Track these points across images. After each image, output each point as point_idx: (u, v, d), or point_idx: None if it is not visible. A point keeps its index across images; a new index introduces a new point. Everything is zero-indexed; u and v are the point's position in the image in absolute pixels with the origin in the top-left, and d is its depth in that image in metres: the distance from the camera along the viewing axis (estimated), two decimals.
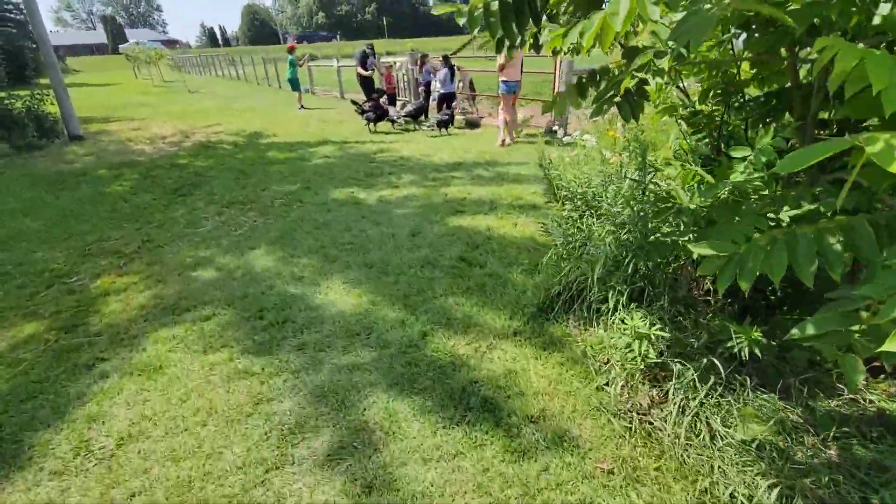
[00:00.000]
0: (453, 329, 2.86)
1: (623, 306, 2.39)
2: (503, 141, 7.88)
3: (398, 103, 10.89)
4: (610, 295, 2.44)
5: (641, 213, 2.35)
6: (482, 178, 6.10)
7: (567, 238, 2.98)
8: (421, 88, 10.77)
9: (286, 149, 8.09)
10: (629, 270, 2.38)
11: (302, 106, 12.92)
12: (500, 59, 7.44)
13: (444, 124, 8.86)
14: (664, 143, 3.46)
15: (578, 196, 3.45)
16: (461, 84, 11.08)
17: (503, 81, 7.63)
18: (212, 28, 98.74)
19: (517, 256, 3.84)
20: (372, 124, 9.13)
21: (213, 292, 3.42)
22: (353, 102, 9.38)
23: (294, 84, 12.93)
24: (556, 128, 8.59)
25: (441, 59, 9.73)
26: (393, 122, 9.43)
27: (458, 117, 9.95)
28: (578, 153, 3.86)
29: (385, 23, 47.39)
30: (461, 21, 1.92)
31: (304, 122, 10.64)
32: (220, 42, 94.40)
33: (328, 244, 4.18)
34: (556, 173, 4.31)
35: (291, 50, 13.08)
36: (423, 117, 9.78)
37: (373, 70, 10.50)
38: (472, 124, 9.86)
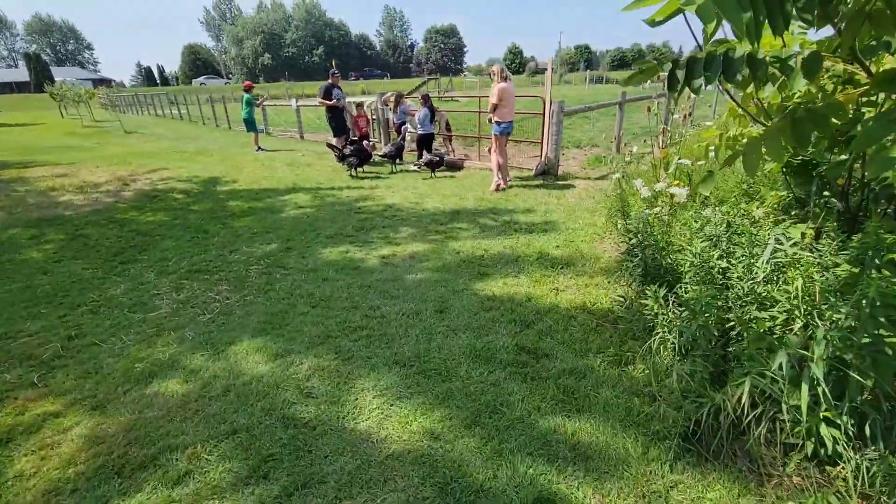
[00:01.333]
0: (571, 478, 1.95)
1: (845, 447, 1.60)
2: (498, 185, 7.24)
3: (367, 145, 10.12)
4: (822, 430, 1.65)
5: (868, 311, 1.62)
6: (490, 229, 5.33)
7: (691, 331, 2.20)
8: (396, 128, 10.07)
9: (251, 198, 6.99)
10: (847, 393, 1.61)
11: (260, 147, 11.83)
12: (494, 98, 6.89)
13: (435, 165, 8.12)
14: (765, 192, 2.85)
15: (710, 274, 2.65)
16: (438, 124, 10.50)
17: (497, 122, 7.05)
18: (149, 67, 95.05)
19: (586, 339, 3.02)
20: (354, 170, 8.22)
21: (181, 427, 2.32)
22: (331, 146, 8.46)
23: (250, 124, 11.87)
24: (544, 168, 8.09)
25: (420, 98, 9.12)
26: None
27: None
28: (662, 208, 3.15)
29: (334, 65, 47.16)
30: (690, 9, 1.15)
31: (267, 165, 9.57)
32: (159, 81, 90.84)
33: (336, 331, 3.17)
34: (633, 227, 3.54)
35: (248, 88, 12.08)
36: (399, 159, 9.03)
37: (342, 103, 9.68)
38: (455, 166, 9.20)
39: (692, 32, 1.41)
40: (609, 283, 3.88)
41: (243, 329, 3.22)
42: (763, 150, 1.50)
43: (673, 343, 2.44)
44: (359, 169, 8.20)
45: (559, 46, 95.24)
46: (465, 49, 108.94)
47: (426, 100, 8.97)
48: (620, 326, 3.14)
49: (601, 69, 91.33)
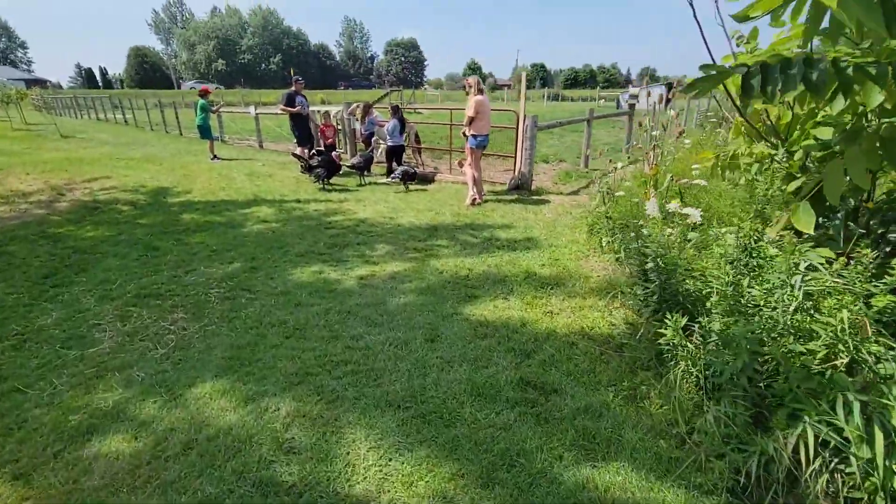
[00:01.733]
0: None
1: None
2: (473, 200, 7.03)
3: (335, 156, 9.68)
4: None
5: None
6: (472, 246, 5.08)
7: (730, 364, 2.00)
8: (364, 139, 9.71)
9: (208, 210, 6.41)
10: None
11: (215, 156, 11.10)
12: (470, 111, 6.71)
13: (409, 178, 7.80)
14: (773, 214, 2.74)
15: (744, 303, 2.44)
16: (407, 136, 10.23)
17: (473, 135, 6.86)
18: (90, 69, 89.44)
19: (593, 369, 2.80)
20: (322, 182, 7.75)
21: (129, 500, 1.87)
22: (297, 156, 7.95)
23: (205, 131, 11.13)
24: (518, 183, 7.98)
25: (390, 109, 8.82)
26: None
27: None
28: (679, 230, 2.97)
29: (292, 73, 46.13)
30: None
31: (224, 175, 8.92)
32: (101, 84, 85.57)
33: (315, 367, 2.78)
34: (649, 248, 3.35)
35: (204, 93, 11.33)
36: (368, 172, 8.67)
37: (306, 111, 9.21)
38: (426, 179, 8.93)
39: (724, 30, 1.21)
40: (603, 305, 3.70)
41: (205, 367, 2.77)
42: (842, 171, 1.32)
43: (697, 377, 2.24)
44: (327, 181, 7.76)
45: (516, 64, 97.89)
46: (425, 62, 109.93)
47: (396, 111, 8.69)
48: (626, 354, 2.94)
49: (556, 87, 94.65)
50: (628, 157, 11.96)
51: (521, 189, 7.97)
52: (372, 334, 3.18)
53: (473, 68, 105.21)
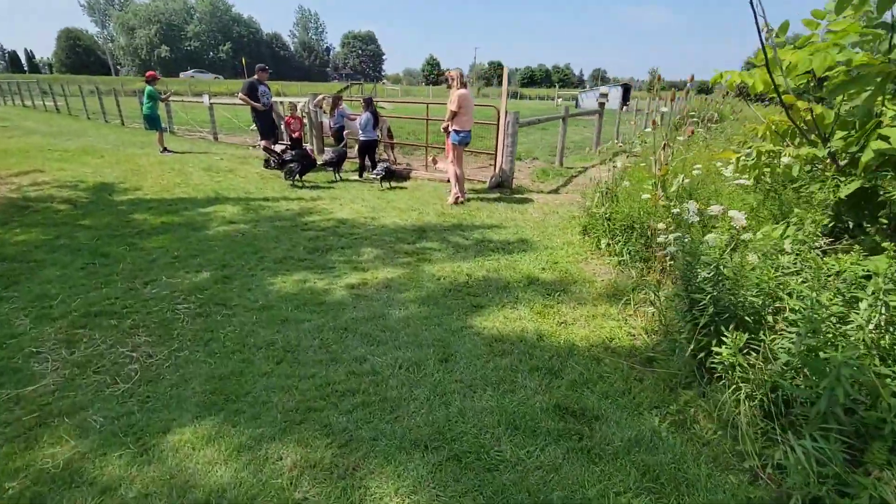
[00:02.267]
0: None
1: None
2: (457, 198, 6.69)
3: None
4: None
5: None
6: (464, 248, 4.75)
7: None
8: (333, 133, 9.13)
9: (164, 210, 5.71)
10: None
11: (165, 148, 10.14)
12: (453, 105, 6.36)
13: (390, 175, 7.35)
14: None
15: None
16: (380, 131, 9.73)
17: (455, 131, 6.51)
18: (14, 51, 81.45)
19: (629, 389, 2.54)
20: (295, 178, 7.15)
21: None
22: (268, 150, 7.25)
23: (153, 122, 10.13)
24: (499, 181, 7.72)
25: (362, 101, 8.30)
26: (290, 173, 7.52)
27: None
28: (721, 235, 2.74)
29: (244, 64, 44.08)
30: None
31: (178, 170, 8.10)
32: (27, 68, 78.17)
33: (317, 399, 2.36)
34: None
35: (151, 79, 10.25)
36: (340, 168, 8.12)
37: (269, 102, 8.53)
38: (401, 176, 8.50)
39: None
40: (616, 312, 3.48)
41: (181, 405, 2.28)
42: None
43: (761, 402, 2.02)
44: (299, 178, 7.17)
45: (474, 61, 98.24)
46: (383, 56, 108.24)
47: (369, 103, 8.20)
48: (659, 371, 2.71)
49: (513, 85, 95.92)
50: (598, 155, 12.06)
51: (503, 187, 7.72)
52: (376, 355, 2.78)
53: (432, 63, 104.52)
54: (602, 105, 11.87)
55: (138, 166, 8.38)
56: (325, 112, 9.93)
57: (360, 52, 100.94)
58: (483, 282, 3.97)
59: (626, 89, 32.06)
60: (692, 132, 3.38)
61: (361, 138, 8.16)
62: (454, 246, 4.81)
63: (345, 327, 3.09)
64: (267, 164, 8.56)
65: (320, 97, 10.03)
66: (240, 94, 8.12)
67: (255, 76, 8.18)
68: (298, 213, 5.77)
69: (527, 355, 2.86)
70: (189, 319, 3.10)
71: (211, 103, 12.49)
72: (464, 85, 6.52)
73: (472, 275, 4.09)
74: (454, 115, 6.42)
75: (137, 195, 6.38)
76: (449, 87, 6.61)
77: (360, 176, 8.41)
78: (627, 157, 7.39)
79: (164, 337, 2.88)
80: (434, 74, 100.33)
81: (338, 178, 8.06)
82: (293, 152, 6.87)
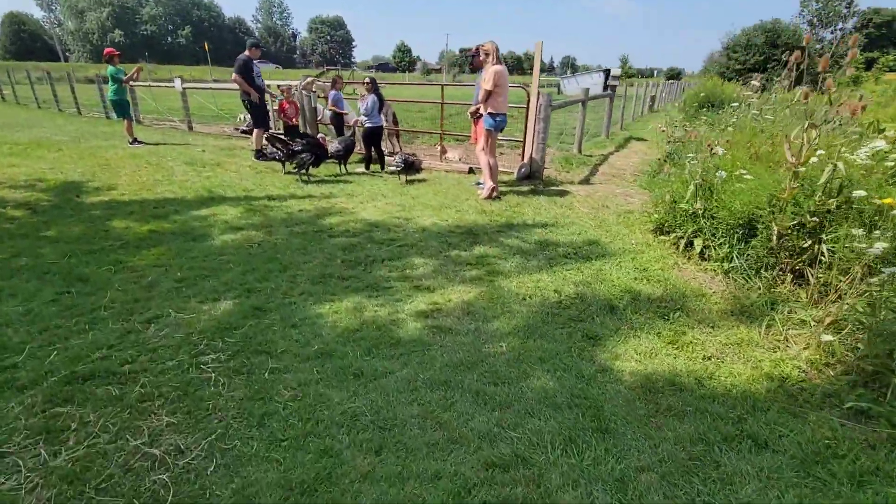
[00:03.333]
0: None
1: None
2: (491, 192, 5.86)
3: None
4: None
5: None
6: (531, 255, 3.95)
7: None
8: (332, 120, 8.07)
9: (149, 214, 4.65)
10: None
11: (136, 139, 8.87)
12: (487, 83, 5.48)
13: (408, 167, 6.43)
14: None
15: None
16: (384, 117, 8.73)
17: (490, 114, 5.66)
18: None
19: (877, 467, 1.82)
20: (306, 172, 6.14)
21: None
22: (275, 139, 6.15)
23: (121, 107, 8.79)
24: (529, 171, 6.93)
25: (366, 83, 7.30)
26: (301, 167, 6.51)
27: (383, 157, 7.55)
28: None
29: (207, 49, 41.56)
30: None
31: (156, 164, 6.93)
32: None
33: None
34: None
35: (111, 57, 8.78)
36: (343, 161, 7.13)
37: (262, 88, 7.42)
38: (417, 168, 7.59)
39: None
40: (759, 337, 2.78)
41: None
42: None
43: None
44: (306, 172, 6.17)
45: (446, 48, 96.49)
46: (353, 43, 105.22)
47: (373, 86, 7.21)
48: (883, 432, 2.00)
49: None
50: (610, 140, 11.42)
51: (532, 179, 6.93)
52: (508, 427, 1.96)
53: (403, 50, 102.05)
54: (613, 89, 11.21)
55: (106, 161, 7.17)
56: (319, 96, 8.85)
57: (328, 37, 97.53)
58: (578, 300, 3.18)
59: (607, 75, 31.65)
60: (857, 110, 2.65)
61: (367, 125, 7.18)
62: (517, 252, 4.00)
63: (444, 381, 2.24)
64: (259, 155, 7.49)
65: (309, 79, 8.91)
66: (234, 76, 6.99)
67: (247, 52, 7.06)
68: (317, 215, 4.82)
69: (701, 413, 2.10)
70: (224, 381, 2.18)
71: (184, 88, 11.14)
72: (499, 60, 5.64)
73: (561, 291, 3.30)
74: (488, 95, 5.57)
75: (112, 196, 5.27)
76: (481, 62, 5.72)
77: (367, 168, 7.46)
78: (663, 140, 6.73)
79: (194, 415, 1.96)
80: (406, 62, 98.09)
81: (344, 170, 7.09)
82: (303, 141, 5.84)
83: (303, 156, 5.81)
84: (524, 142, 6.99)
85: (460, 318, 2.87)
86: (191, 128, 11.48)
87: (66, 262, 3.46)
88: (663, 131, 7.03)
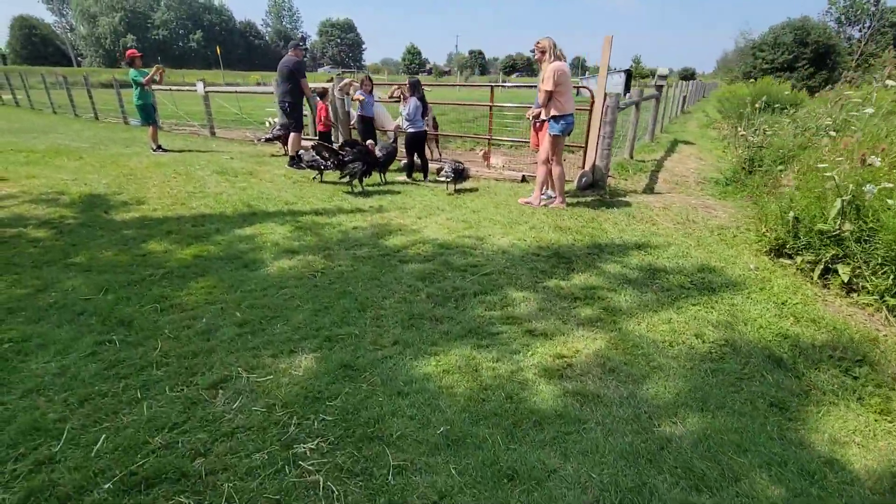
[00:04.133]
0: None
1: None
2: (559, 203, 5.25)
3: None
4: None
5: None
6: (639, 284, 3.33)
7: None
8: (365, 124, 7.49)
9: (189, 234, 4.10)
10: None
11: (159, 146, 8.38)
12: (548, 83, 4.86)
13: (459, 176, 5.85)
14: None
15: None
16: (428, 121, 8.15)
17: (554, 118, 5.03)
18: None
19: None
20: (360, 183, 5.58)
21: None
22: (324, 147, 5.52)
23: (145, 113, 8.30)
24: (591, 181, 6.31)
25: (408, 86, 6.72)
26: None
27: (432, 165, 6.94)
28: None
29: (219, 53, 41.54)
30: None
31: (185, 174, 6.41)
32: None
33: None
34: None
35: (132, 59, 8.28)
36: (384, 169, 6.54)
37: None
38: (463, 176, 6.99)
39: None
40: None
41: None
42: None
43: None
44: (359, 182, 5.59)
45: (455, 50, 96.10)
46: (363, 46, 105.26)
47: (416, 88, 6.64)
48: None
49: (494, 73, 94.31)
50: (655, 143, 10.76)
51: (596, 188, 6.31)
52: None
53: (413, 52, 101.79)
54: (660, 88, 10.56)
55: (131, 170, 6.66)
56: (354, 99, 8.29)
57: (338, 40, 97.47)
58: (729, 349, 2.57)
59: (628, 75, 30.85)
60: None
61: (409, 130, 6.61)
62: (624, 281, 3.39)
63: (631, 487, 1.64)
64: (294, 162, 6.95)
65: (346, 81, 8.36)
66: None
67: (292, 53, 6.50)
68: (375, 234, 4.24)
69: None
70: (337, 489, 1.58)
71: (206, 91, 10.66)
72: (558, 57, 5.00)
73: (703, 336, 2.69)
74: (549, 96, 4.94)
75: (143, 211, 4.73)
76: (538, 61, 5.06)
77: (409, 176, 6.89)
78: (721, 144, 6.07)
79: None
80: (415, 63, 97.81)
81: (383, 179, 6.52)
82: (354, 150, 5.26)
83: (353, 165, 5.23)
84: (585, 147, 6.38)
85: (602, 378, 2.27)
86: (213, 133, 11.00)
87: (103, 298, 2.90)
88: (742, 135, 6.37)
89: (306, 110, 8.18)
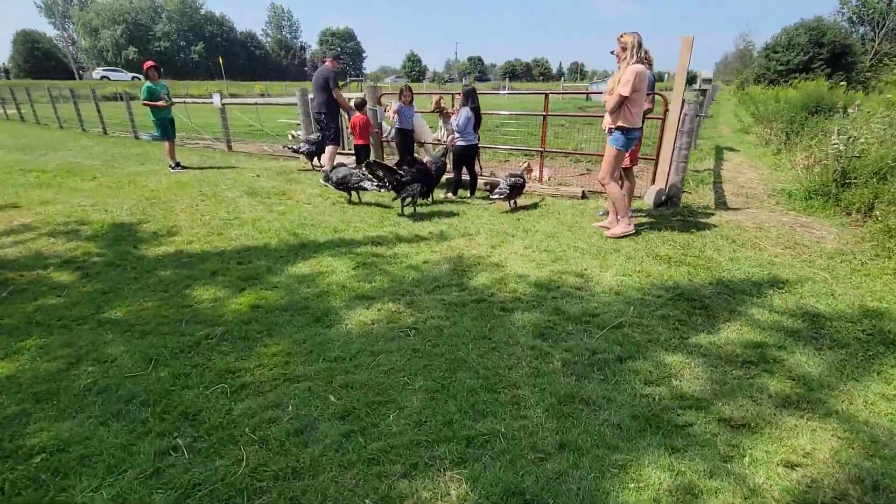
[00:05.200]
0: None
1: None
2: (626, 227, 4.57)
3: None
4: None
5: None
6: (812, 341, 2.69)
7: None
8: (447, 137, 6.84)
9: (236, 275, 3.46)
10: None
11: (178, 163, 7.78)
12: (625, 87, 4.12)
13: (515, 192, 5.25)
14: None
15: None
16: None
17: (623, 129, 4.34)
18: None
19: None
20: (415, 205, 4.95)
21: None
22: (379, 166, 4.84)
23: (163, 128, 7.71)
24: (665, 197, 5.69)
25: (462, 95, 6.11)
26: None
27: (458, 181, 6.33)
28: None
29: (222, 63, 41.18)
30: None
31: (213, 196, 5.79)
32: None
33: None
34: None
35: (149, 72, 7.70)
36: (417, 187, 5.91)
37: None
38: (519, 191, 6.35)
39: None
40: None
41: None
42: None
43: None
44: (416, 204, 4.98)
45: (455, 57, 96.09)
46: (363, 54, 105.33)
47: (469, 97, 6.03)
48: None
49: (493, 80, 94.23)
50: (699, 152, 10.16)
51: (669, 205, 5.69)
52: None
53: (413, 60, 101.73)
54: (703, 92, 9.97)
55: (152, 192, 6.05)
56: (386, 111, 7.69)
57: (339, 49, 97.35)
58: None
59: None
60: None
61: (460, 143, 5.99)
62: (785, 333, 2.75)
63: None
64: (329, 180, 6.34)
65: (381, 93, 7.76)
66: (335, 92, 5.88)
67: (328, 64, 5.93)
68: (454, 270, 3.60)
69: None
70: None
71: (223, 104, 10.09)
72: (641, 60, 4.28)
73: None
74: (622, 102, 4.23)
75: (177, 245, 4.10)
76: (621, 59, 4.30)
77: (455, 193, 6.28)
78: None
79: None
80: (416, 71, 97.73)
81: (430, 199, 5.91)
82: (412, 169, 4.63)
83: (412, 186, 4.61)
84: (657, 160, 5.76)
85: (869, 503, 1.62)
86: (230, 147, 10.41)
87: (154, 374, 2.26)
88: (834, 143, 5.75)
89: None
